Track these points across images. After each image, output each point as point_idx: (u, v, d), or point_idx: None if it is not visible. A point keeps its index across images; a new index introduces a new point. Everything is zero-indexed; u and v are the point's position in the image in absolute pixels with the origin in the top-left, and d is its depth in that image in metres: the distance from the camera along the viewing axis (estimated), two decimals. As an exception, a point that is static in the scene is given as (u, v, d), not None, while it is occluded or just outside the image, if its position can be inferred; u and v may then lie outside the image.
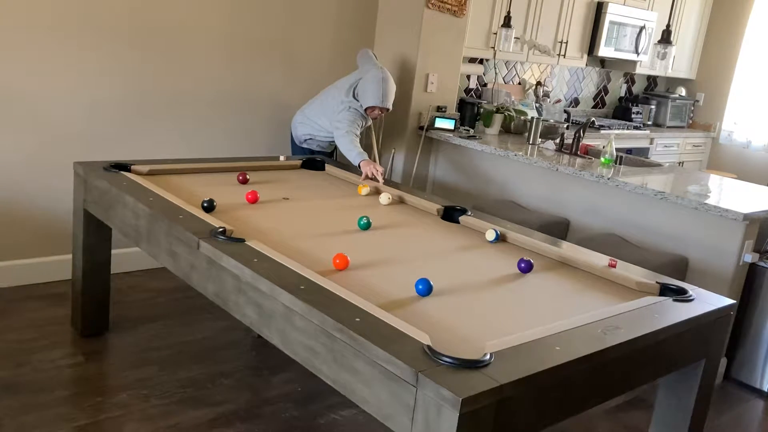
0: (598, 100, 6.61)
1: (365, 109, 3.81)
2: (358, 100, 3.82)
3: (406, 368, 1.52)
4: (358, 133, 3.79)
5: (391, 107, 3.87)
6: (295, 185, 3.22)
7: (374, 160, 4.18)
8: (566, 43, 5.47)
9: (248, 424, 2.65)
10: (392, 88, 3.85)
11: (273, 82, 4.29)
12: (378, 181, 3.35)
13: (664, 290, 2.23)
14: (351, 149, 3.63)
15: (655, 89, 7.10)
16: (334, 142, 3.95)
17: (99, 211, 2.93)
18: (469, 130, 4.62)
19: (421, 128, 4.53)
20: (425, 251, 2.45)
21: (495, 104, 5.10)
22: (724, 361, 3.54)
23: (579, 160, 4.11)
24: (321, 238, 2.45)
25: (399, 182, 4.42)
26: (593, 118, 4.79)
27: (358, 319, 1.72)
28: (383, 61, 4.63)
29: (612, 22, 5.65)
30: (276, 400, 2.84)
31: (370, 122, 3.98)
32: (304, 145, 4.08)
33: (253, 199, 2.81)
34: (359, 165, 3.48)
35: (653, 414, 2.34)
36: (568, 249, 2.58)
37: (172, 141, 3.98)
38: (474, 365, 1.53)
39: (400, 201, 3.14)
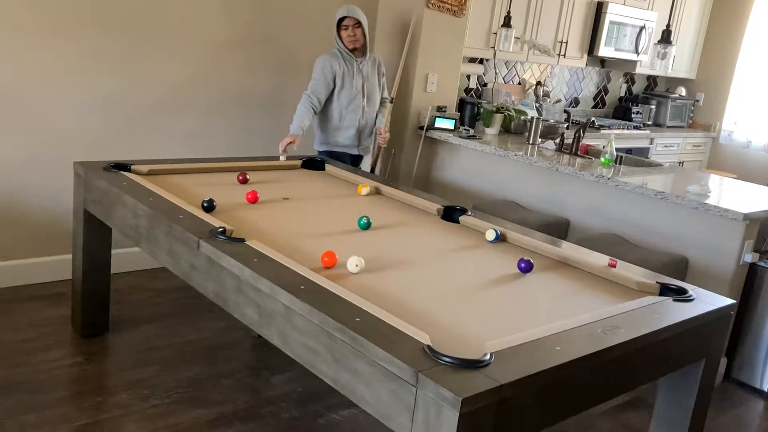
0: (598, 100, 6.61)
1: (338, 33, 3.78)
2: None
3: (406, 368, 1.52)
4: (320, 96, 3.76)
5: (360, 19, 3.76)
6: (295, 185, 3.22)
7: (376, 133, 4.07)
8: (566, 43, 5.47)
9: (248, 424, 2.65)
10: (351, 5, 3.81)
11: (273, 82, 4.29)
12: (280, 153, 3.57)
13: (664, 290, 2.23)
14: (296, 114, 3.72)
15: (655, 89, 7.10)
16: (343, 135, 3.91)
17: (99, 211, 2.93)
18: (469, 130, 4.62)
19: (421, 128, 4.53)
20: (425, 251, 2.45)
21: (495, 104, 5.10)
22: (724, 361, 3.54)
23: (579, 160, 4.10)
24: (321, 238, 2.45)
25: (399, 182, 4.42)
26: (593, 118, 4.78)
27: (358, 319, 1.72)
28: (384, 60, 4.62)
29: (612, 22, 5.65)
30: (276, 400, 2.84)
31: (358, 65, 3.86)
32: (319, 148, 4.01)
33: (253, 199, 2.81)
34: None
35: (653, 414, 2.34)
36: (568, 249, 2.58)
37: (172, 141, 3.98)
38: (474, 365, 1.53)
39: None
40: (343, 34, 3.78)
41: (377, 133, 4.05)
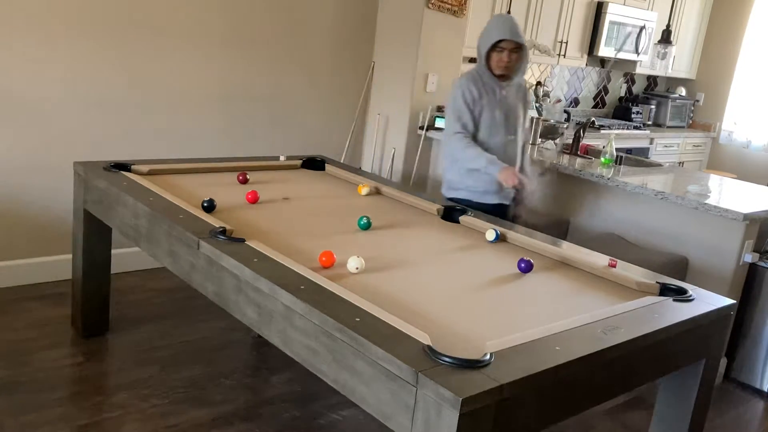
0: (598, 100, 6.61)
1: (486, 61, 3.03)
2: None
3: (406, 368, 1.52)
4: (468, 123, 3.05)
5: (522, 41, 3.02)
6: (295, 185, 3.22)
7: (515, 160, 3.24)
8: (566, 43, 5.47)
9: (248, 424, 2.65)
10: (509, 19, 3.05)
11: (273, 81, 4.29)
12: (521, 190, 2.79)
13: (664, 290, 2.23)
14: (471, 156, 2.96)
15: (655, 89, 7.10)
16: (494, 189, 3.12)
17: (99, 211, 2.93)
18: (469, 130, 4.62)
19: (421, 128, 4.53)
20: (425, 251, 2.45)
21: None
22: (724, 361, 3.54)
23: (579, 160, 4.10)
24: (321, 238, 2.45)
25: (399, 182, 4.42)
26: (593, 118, 4.78)
27: (358, 319, 1.72)
28: (384, 60, 4.63)
29: (612, 22, 5.64)
30: (276, 400, 2.84)
31: (502, 91, 3.11)
32: (448, 194, 3.26)
33: (253, 199, 2.81)
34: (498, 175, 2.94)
35: (653, 414, 2.34)
36: (568, 249, 2.58)
37: (173, 141, 3.98)
38: (474, 365, 1.53)
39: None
40: (494, 57, 3.01)
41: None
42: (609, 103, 6.71)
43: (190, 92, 3.98)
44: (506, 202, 3.20)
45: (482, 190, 3.12)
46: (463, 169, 3.11)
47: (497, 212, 3.07)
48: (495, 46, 2.99)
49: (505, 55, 2.99)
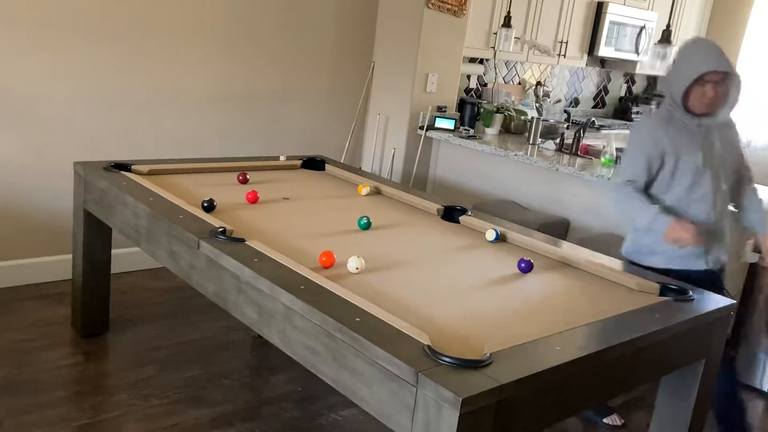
0: (598, 100, 6.61)
1: (683, 101, 2.46)
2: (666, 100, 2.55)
3: (406, 368, 1.52)
4: (640, 175, 2.50)
5: (730, 70, 2.39)
6: (295, 185, 3.22)
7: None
8: (566, 43, 5.47)
9: (248, 424, 2.65)
10: (710, 44, 2.45)
11: (273, 81, 4.29)
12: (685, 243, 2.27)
13: (664, 290, 2.23)
14: (634, 208, 2.48)
15: (655, 89, 7.10)
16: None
17: (99, 211, 2.93)
18: (469, 130, 4.62)
19: (421, 128, 4.53)
20: (425, 251, 2.45)
21: (495, 104, 5.10)
22: (724, 361, 3.54)
23: (579, 160, 4.10)
24: (321, 238, 2.45)
25: (399, 182, 4.43)
26: (593, 118, 4.78)
27: (358, 319, 1.72)
28: (384, 60, 4.63)
29: (612, 22, 5.64)
30: (276, 400, 2.84)
31: (702, 130, 2.50)
32: (635, 258, 2.61)
33: (253, 199, 2.81)
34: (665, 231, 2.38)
35: (653, 414, 2.34)
36: (568, 249, 2.58)
37: (173, 141, 3.98)
38: (474, 365, 1.53)
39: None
40: (695, 92, 2.42)
41: (761, 246, 2.60)
42: (609, 103, 6.71)
43: (191, 92, 3.99)
44: (712, 267, 2.57)
45: (684, 252, 2.50)
46: (658, 231, 2.46)
47: (708, 281, 2.46)
48: (696, 80, 2.41)
49: (710, 89, 2.38)
